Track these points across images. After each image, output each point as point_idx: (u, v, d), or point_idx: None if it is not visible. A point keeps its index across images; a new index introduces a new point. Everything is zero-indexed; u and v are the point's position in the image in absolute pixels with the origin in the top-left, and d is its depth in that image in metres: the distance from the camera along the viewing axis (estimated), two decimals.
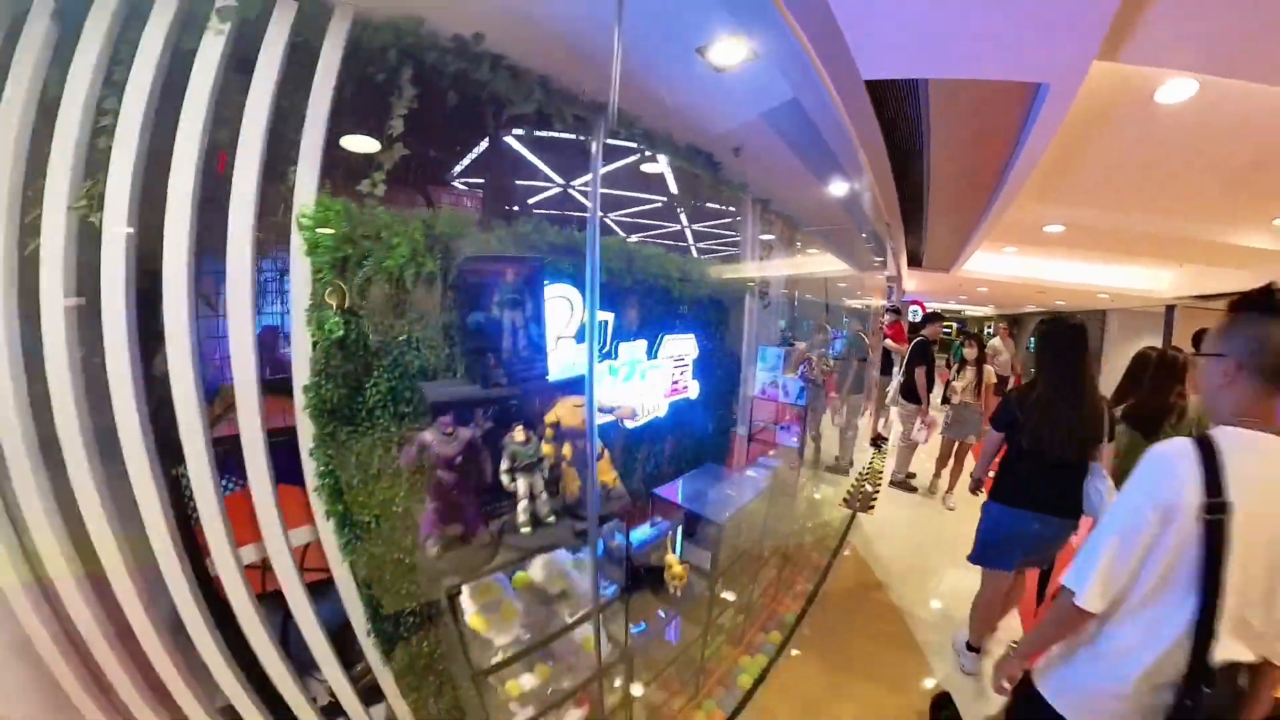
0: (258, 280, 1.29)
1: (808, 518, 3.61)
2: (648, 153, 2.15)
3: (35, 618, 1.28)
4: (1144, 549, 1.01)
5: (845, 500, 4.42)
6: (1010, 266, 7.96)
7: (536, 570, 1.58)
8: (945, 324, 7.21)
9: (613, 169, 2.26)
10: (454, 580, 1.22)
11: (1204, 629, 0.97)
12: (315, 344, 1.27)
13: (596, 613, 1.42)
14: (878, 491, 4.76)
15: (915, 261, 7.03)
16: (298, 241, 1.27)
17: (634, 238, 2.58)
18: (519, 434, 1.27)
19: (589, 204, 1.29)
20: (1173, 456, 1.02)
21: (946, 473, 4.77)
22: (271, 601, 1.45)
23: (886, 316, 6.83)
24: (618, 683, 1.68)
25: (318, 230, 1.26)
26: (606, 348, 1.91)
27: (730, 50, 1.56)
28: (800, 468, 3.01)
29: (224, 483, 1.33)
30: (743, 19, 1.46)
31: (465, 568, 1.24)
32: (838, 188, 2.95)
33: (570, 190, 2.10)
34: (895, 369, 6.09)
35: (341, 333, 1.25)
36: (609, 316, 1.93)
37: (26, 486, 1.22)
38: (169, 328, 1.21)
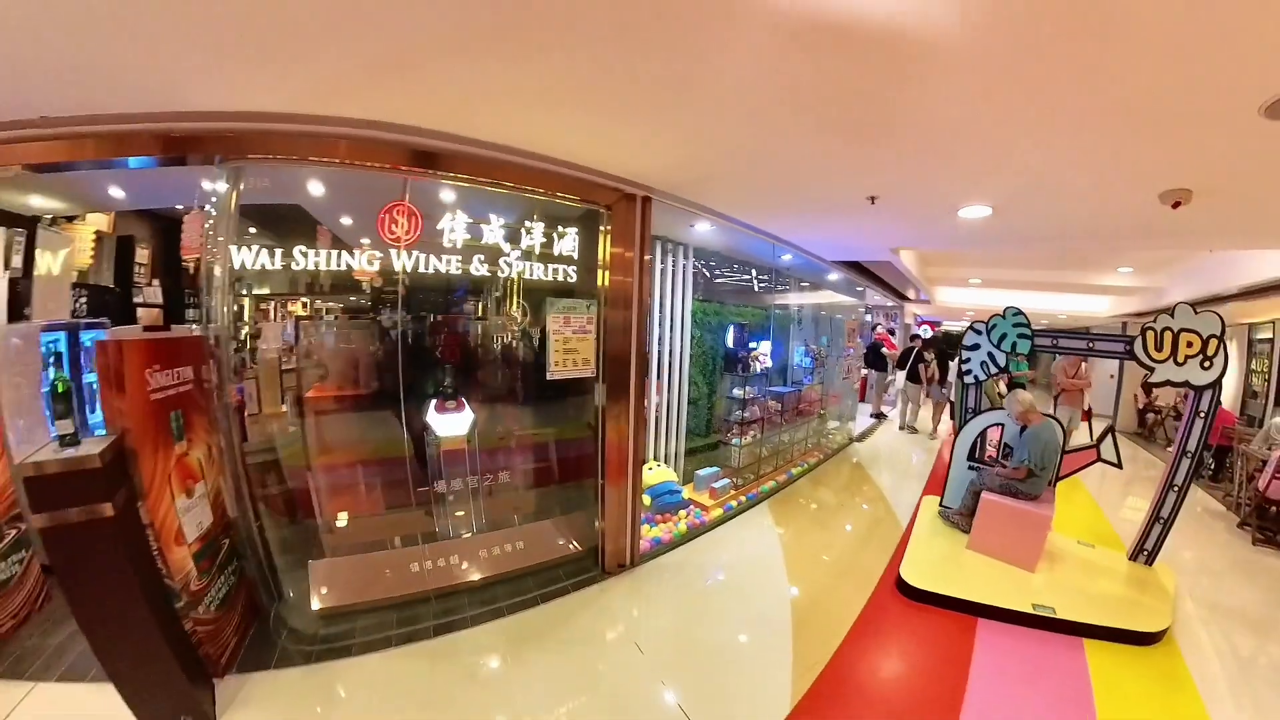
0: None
1: (824, 431, 7.08)
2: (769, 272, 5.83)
3: None
4: None
5: (848, 435, 7.85)
6: (984, 298, 11.02)
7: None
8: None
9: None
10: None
11: None
12: (694, 341, 4.92)
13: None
14: (865, 436, 8.19)
15: (903, 297, 10.33)
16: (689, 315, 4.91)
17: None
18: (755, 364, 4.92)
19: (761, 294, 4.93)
20: None
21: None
22: None
23: (879, 329, 10.16)
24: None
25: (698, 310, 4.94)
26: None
27: (791, 257, 5.18)
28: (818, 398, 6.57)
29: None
30: (800, 251, 5.07)
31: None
32: (832, 275, 6.49)
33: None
34: (889, 366, 9.42)
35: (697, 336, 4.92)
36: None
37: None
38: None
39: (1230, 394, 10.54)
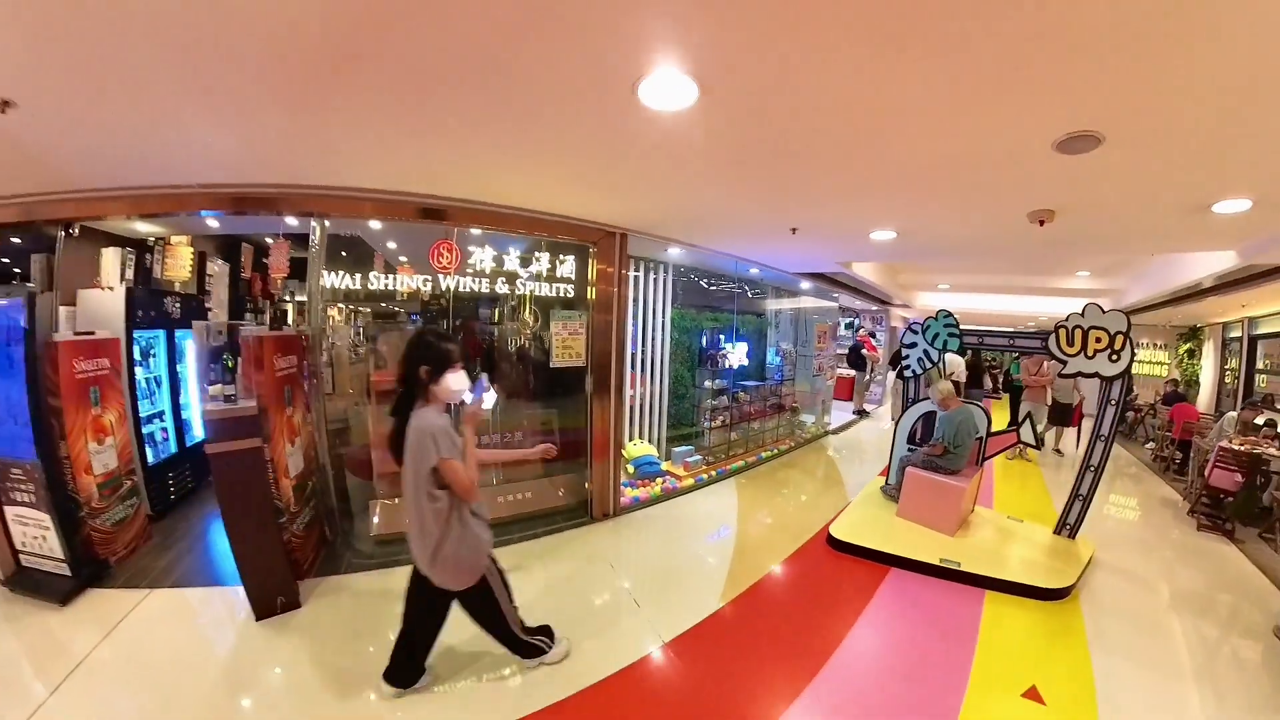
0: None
1: (797, 422, 7.92)
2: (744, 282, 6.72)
3: None
4: None
5: (822, 427, 8.65)
6: (969, 302, 11.67)
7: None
8: None
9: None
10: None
11: None
12: (673, 341, 5.85)
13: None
14: (843, 429, 8.96)
15: (886, 303, 11.09)
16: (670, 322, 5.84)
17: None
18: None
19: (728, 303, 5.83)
20: None
21: None
22: None
23: (861, 332, 10.92)
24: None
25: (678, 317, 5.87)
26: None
27: (758, 271, 6.06)
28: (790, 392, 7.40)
29: None
30: (762, 266, 5.96)
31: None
32: (804, 284, 7.35)
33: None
34: (868, 366, 10.18)
35: (676, 337, 5.84)
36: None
37: None
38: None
39: (1207, 391, 11.03)
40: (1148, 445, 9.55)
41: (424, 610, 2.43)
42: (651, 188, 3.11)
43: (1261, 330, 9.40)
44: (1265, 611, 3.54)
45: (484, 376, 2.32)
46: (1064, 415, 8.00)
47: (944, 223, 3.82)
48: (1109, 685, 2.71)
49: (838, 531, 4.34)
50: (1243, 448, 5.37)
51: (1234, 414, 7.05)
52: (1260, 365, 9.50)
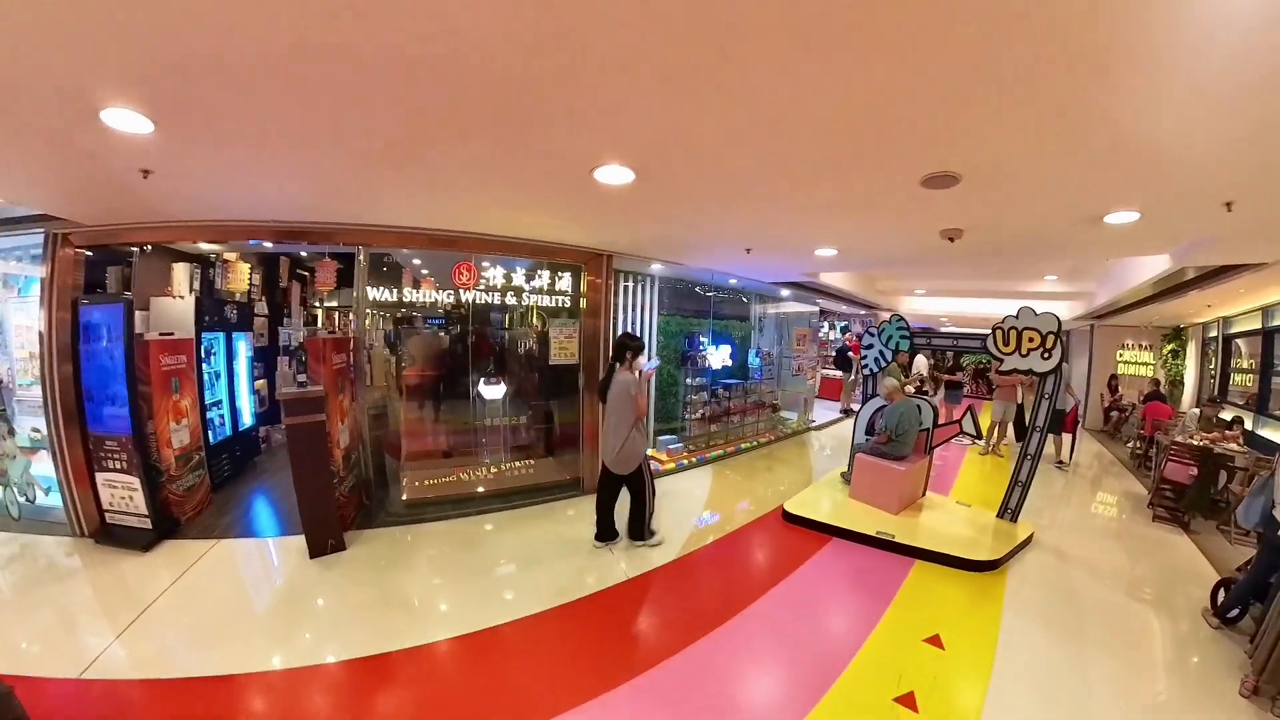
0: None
1: (778, 417, 8.62)
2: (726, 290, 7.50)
3: None
4: None
5: (804, 423, 9.33)
6: (953, 307, 12.21)
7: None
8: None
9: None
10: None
11: None
12: (659, 343, 6.65)
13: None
14: (826, 426, 9.62)
15: (872, 307, 11.72)
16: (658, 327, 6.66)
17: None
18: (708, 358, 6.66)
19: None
20: None
21: None
22: None
23: (849, 336, 11.57)
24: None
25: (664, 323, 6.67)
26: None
27: (736, 281, 6.84)
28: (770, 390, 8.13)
29: None
30: (738, 277, 6.74)
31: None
32: (784, 292, 8.09)
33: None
34: (853, 367, 10.81)
35: (663, 340, 6.64)
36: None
37: None
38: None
39: (1190, 390, 11.32)
40: (1128, 444, 9.71)
41: (610, 491, 4.15)
42: (619, 227, 4.06)
43: (1235, 329, 9.56)
44: (1198, 594, 3.66)
45: (657, 358, 4.14)
46: (1055, 421, 7.21)
47: (871, 241, 4.54)
48: (1012, 640, 3.00)
49: (791, 506, 5.03)
50: (1201, 443, 5.64)
51: (1196, 410, 7.41)
52: (1245, 364, 9.54)
